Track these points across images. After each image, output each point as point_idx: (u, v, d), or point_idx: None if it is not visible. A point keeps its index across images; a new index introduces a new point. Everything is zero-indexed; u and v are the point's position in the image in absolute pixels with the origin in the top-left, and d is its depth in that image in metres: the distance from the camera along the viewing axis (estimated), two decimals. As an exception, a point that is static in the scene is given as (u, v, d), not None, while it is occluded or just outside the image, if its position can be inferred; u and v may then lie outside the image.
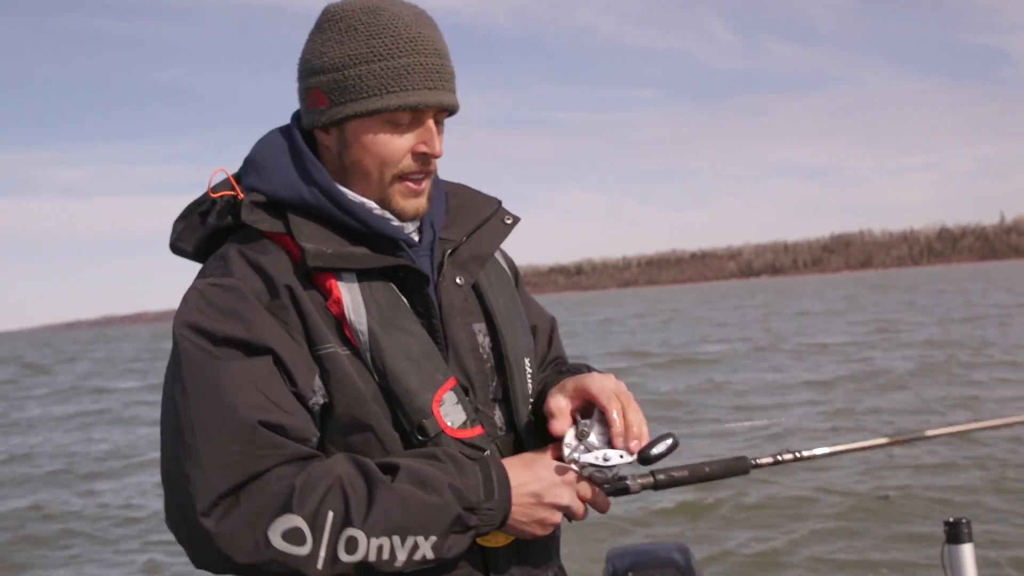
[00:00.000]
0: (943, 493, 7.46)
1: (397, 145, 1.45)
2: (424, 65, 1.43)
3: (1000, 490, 7.51)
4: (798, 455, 1.60)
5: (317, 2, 1.53)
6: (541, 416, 1.55)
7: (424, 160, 1.47)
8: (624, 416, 1.46)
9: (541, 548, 1.54)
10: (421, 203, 1.51)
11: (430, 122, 1.46)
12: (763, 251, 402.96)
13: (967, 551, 2.69)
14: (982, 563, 2.74)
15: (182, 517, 1.30)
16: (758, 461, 1.57)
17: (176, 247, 1.55)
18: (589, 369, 1.65)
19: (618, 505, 1.78)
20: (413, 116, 1.45)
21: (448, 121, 1.54)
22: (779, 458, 1.59)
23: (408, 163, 1.46)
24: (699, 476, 1.54)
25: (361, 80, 1.42)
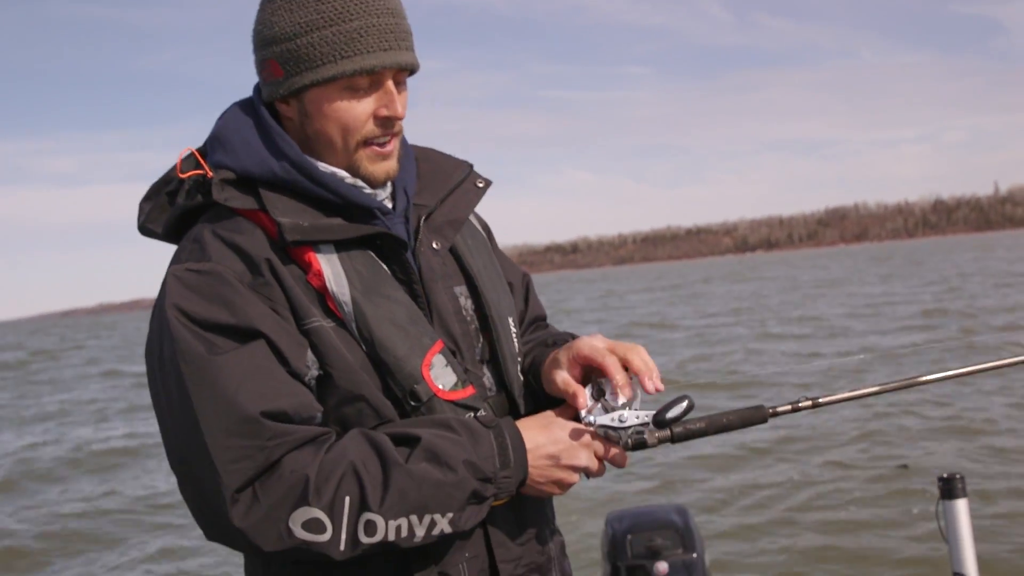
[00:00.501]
0: (953, 458, 7.46)
1: (358, 111, 1.43)
2: (377, 26, 1.41)
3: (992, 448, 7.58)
4: (816, 401, 1.57)
5: None
6: (531, 382, 1.58)
7: (387, 123, 1.46)
8: (630, 363, 1.48)
9: (536, 505, 1.56)
10: (391, 165, 1.49)
11: (389, 83, 1.44)
12: (758, 226, 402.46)
13: (961, 506, 2.73)
14: (975, 517, 2.79)
15: (208, 515, 1.33)
16: (776, 409, 1.55)
17: (145, 228, 1.53)
18: (574, 336, 1.64)
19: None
20: (371, 79, 1.43)
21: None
22: (798, 405, 1.57)
23: (371, 128, 1.45)
24: (717, 427, 1.52)
25: (314, 47, 1.40)
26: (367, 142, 1.46)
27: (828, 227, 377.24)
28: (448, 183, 1.60)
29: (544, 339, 1.70)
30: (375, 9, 1.41)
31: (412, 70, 1.48)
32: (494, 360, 1.56)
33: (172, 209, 1.49)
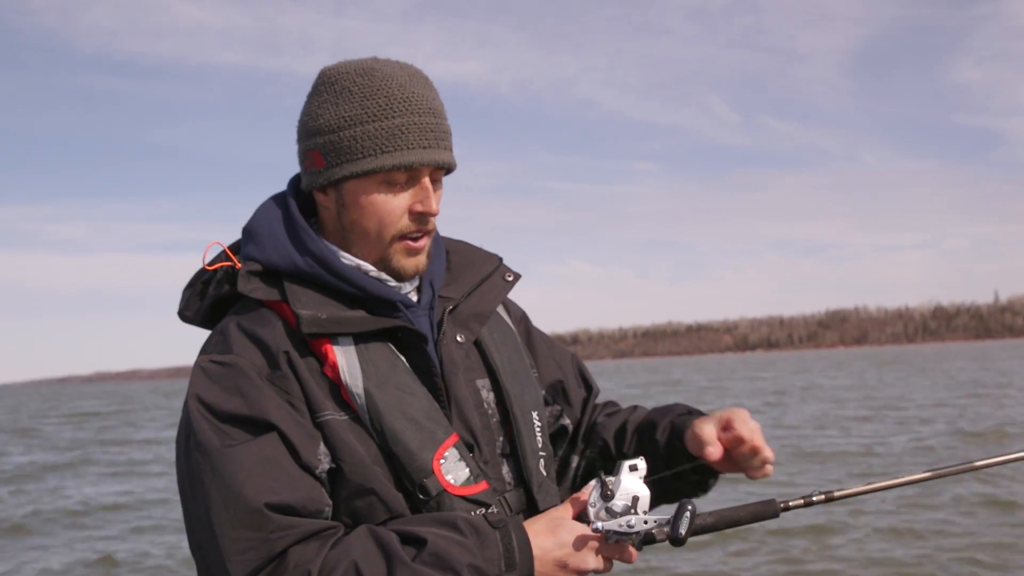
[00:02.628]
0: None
1: (394, 205, 1.46)
2: (418, 124, 1.44)
3: None
4: (830, 495, 1.52)
5: (324, 66, 1.55)
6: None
7: (421, 219, 1.48)
8: (742, 447, 1.53)
9: None
10: (421, 260, 1.52)
11: (426, 180, 1.47)
12: (759, 325, 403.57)
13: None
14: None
15: None
16: (788, 503, 1.50)
17: (183, 315, 1.57)
18: (700, 412, 1.67)
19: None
20: (409, 175, 1.46)
21: (448, 187, 1.55)
22: (811, 500, 1.52)
23: (406, 223, 1.47)
24: (727, 522, 1.48)
25: (356, 141, 1.44)
26: (402, 237, 1.48)
27: (828, 329, 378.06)
28: (476, 276, 1.62)
29: (678, 409, 1.72)
30: (418, 108, 1.45)
31: (449, 169, 1.51)
32: (514, 454, 1.55)
33: (204, 299, 1.54)
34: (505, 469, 1.53)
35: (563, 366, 1.79)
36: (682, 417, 1.65)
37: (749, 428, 1.52)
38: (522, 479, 1.54)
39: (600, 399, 1.86)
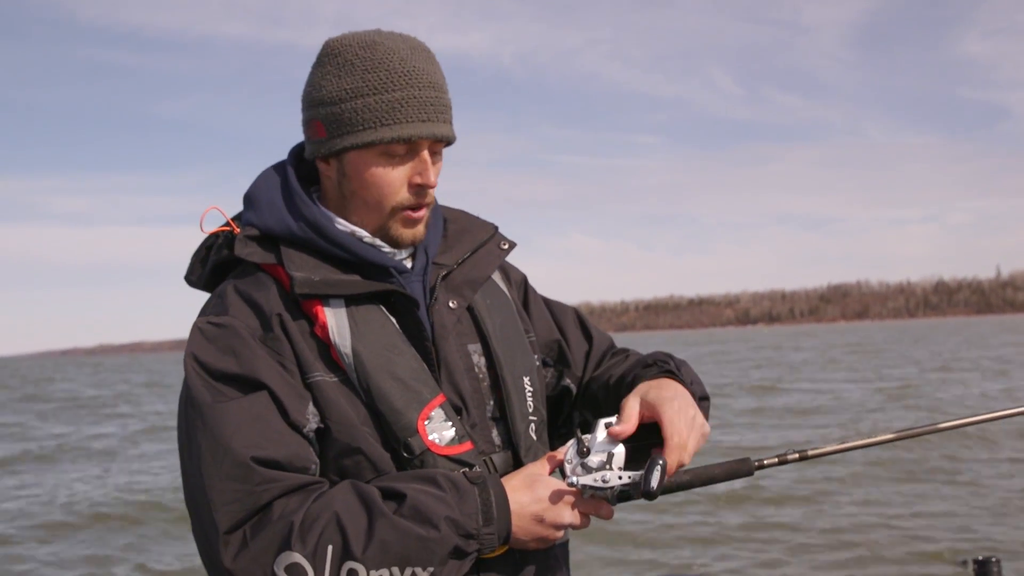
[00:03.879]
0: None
1: (393, 176, 1.49)
2: (418, 98, 1.47)
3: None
4: (803, 454, 1.54)
5: (328, 37, 1.57)
6: (551, 431, 1.64)
7: (420, 191, 1.52)
8: (670, 438, 1.45)
9: (544, 556, 1.56)
10: (419, 231, 1.56)
11: (425, 153, 1.50)
12: (760, 299, 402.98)
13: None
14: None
15: (204, 549, 1.38)
16: (763, 462, 1.52)
17: (189, 279, 1.64)
18: (674, 368, 1.62)
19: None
20: (408, 148, 1.49)
21: (451, 160, 1.58)
22: (785, 458, 1.53)
23: (405, 195, 1.51)
24: (703, 479, 1.51)
25: (357, 113, 1.47)
26: (401, 208, 1.51)
27: (830, 303, 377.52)
28: (471, 244, 1.65)
29: (645, 360, 1.69)
30: (418, 82, 1.48)
31: (448, 142, 1.53)
32: (504, 418, 1.58)
33: (207, 264, 1.60)
34: (495, 433, 1.56)
35: (563, 324, 1.80)
36: (646, 369, 1.64)
37: (679, 433, 1.46)
38: (511, 442, 1.57)
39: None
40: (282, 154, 1.64)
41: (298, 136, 1.62)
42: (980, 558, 2.80)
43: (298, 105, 1.58)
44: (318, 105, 1.51)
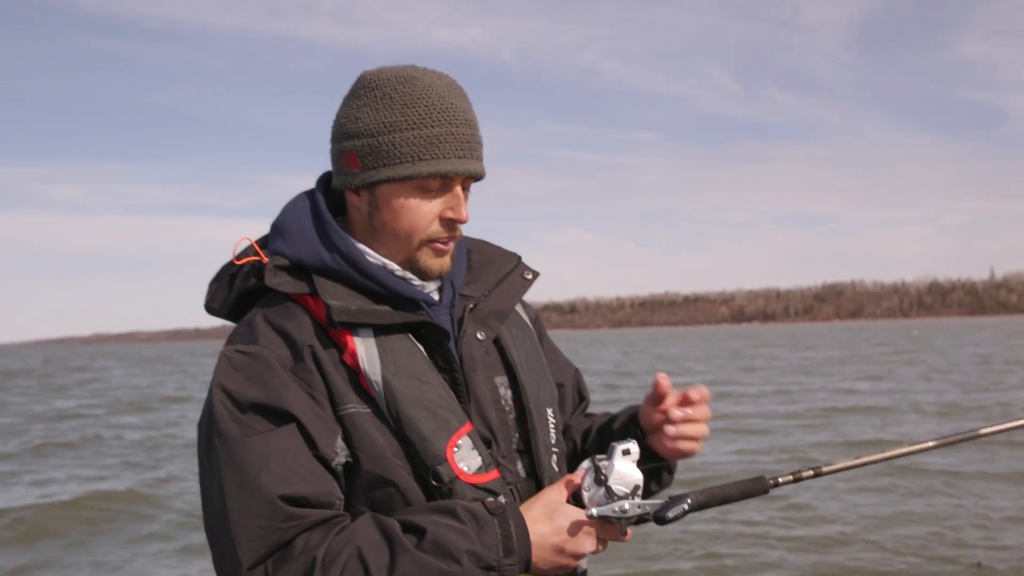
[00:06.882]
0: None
1: (426, 210, 1.51)
2: (455, 135, 1.49)
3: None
4: (818, 470, 1.53)
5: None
6: (572, 461, 1.68)
7: (451, 225, 1.53)
8: (692, 413, 1.58)
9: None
10: (445, 263, 1.56)
11: (458, 189, 1.52)
12: (755, 297, 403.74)
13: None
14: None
15: None
16: (778, 480, 1.51)
17: (210, 308, 1.62)
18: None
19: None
20: (442, 183, 1.51)
21: None
22: (800, 475, 1.51)
23: (436, 228, 1.52)
24: (718, 500, 1.50)
25: (394, 147, 1.48)
26: (430, 240, 1.53)
27: (824, 302, 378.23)
28: (496, 275, 1.67)
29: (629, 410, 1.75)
30: (455, 119, 1.50)
31: (479, 179, 1.57)
32: (529, 450, 1.59)
33: (231, 292, 1.58)
34: (520, 464, 1.57)
35: (565, 374, 1.84)
36: (638, 406, 1.70)
37: (700, 395, 1.60)
38: (535, 474, 1.58)
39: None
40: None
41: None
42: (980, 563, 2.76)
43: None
44: (352, 137, 1.51)
